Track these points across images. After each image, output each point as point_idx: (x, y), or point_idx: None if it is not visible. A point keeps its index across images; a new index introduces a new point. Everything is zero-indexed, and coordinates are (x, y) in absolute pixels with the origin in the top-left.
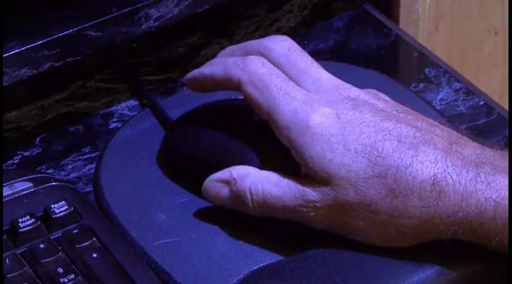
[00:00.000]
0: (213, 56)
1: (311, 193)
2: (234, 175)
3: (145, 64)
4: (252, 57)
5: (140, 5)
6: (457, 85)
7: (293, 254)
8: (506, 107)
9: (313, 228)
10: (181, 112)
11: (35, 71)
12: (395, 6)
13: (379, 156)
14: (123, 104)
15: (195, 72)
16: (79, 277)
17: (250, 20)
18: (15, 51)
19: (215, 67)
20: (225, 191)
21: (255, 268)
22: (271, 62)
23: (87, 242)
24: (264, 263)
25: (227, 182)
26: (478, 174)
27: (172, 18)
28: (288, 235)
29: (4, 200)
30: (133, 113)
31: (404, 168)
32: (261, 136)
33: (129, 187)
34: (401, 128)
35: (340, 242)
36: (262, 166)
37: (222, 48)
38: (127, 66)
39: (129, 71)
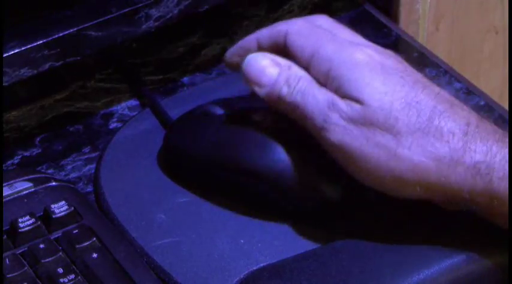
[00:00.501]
0: (213, 56)
1: (342, 104)
2: (290, 63)
3: (146, 64)
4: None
5: (140, 5)
6: (457, 85)
7: (293, 254)
8: (506, 107)
9: (325, 146)
10: (181, 112)
11: (35, 71)
12: (395, 6)
13: (415, 97)
14: (123, 104)
15: (237, 44)
16: (79, 277)
17: (250, 20)
18: (15, 51)
19: (260, 31)
20: (273, 70)
21: (255, 268)
22: None
23: (87, 242)
24: (264, 263)
25: (279, 64)
26: (504, 138)
27: (172, 18)
28: (288, 235)
29: (4, 200)
30: (134, 113)
31: (440, 112)
32: (262, 135)
33: (129, 187)
34: (439, 90)
35: (340, 242)
36: (265, 164)
37: (222, 48)
38: (127, 66)
39: (129, 71)
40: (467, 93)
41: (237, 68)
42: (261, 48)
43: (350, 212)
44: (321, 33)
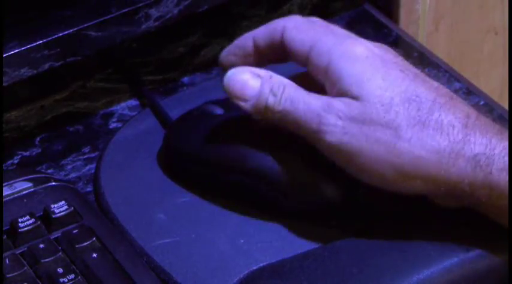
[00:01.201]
0: (213, 56)
1: (338, 104)
2: (271, 73)
3: (145, 64)
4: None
5: (140, 5)
6: (457, 85)
7: (293, 254)
8: (506, 107)
9: (322, 148)
10: (181, 112)
11: (35, 71)
12: (395, 6)
13: (415, 91)
14: (123, 104)
15: (233, 43)
16: (79, 277)
17: (250, 20)
18: (15, 51)
19: (256, 30)
20: (254, 82)
21: (255, 268)
22: None
23: (87, 242)
24: (264, 263)
25: (260, 75)
26: (503, 131)
27: (172, 18)
28: (288, 235)
29: (4, 200)
30: (133, 113)
31: (439, 105)
32: (262, 135)
33: (129, 187)
34: (437, 84)
35: (340, 242)
36: (265, 164)
37: (222, 48)
38: (127, 66)
39: (129, 71)
40: (467, 93)
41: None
42: (257, 46)
43: (350, 212)
44: (319, 27)
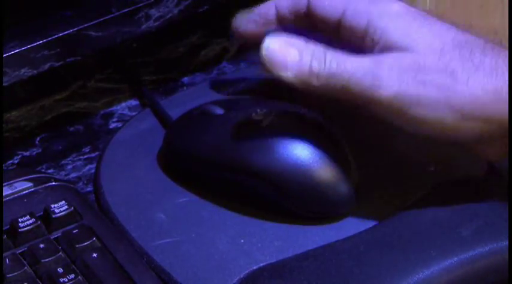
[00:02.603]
0: (213, 56)
1: (387, 57)
2: (304, 39)
3: (145, 64)
4: None
5: (140, 5)
6: None
7: (293, 254)
8: None
9: (377, 106)
10: (181, 112)
11: (35, 71)
12: None
13: (465, 37)
14: (123, 104)
15: (254, 11)
16: (79, 277)
17: None
18: (15, 51)
19: None
20: (293, 50)
21: (255, 268)
22: None
23: (87, 242)
24: (264, 263)
25: (295, 43)
26: None
27: (172, 18)
28: (288, 235)
29: (4, 200)
30: (133, 113)
31: (491, 48)
32: (262, 135)
33: (129, 187)
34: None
35: (340, 242)
36: (265, 164)
37: (222, 48)
38: (127, 66)
39: (129, 71)
40: None
41: (246, 37)
42: (280, 15)
43: (351, 213)
44: None
